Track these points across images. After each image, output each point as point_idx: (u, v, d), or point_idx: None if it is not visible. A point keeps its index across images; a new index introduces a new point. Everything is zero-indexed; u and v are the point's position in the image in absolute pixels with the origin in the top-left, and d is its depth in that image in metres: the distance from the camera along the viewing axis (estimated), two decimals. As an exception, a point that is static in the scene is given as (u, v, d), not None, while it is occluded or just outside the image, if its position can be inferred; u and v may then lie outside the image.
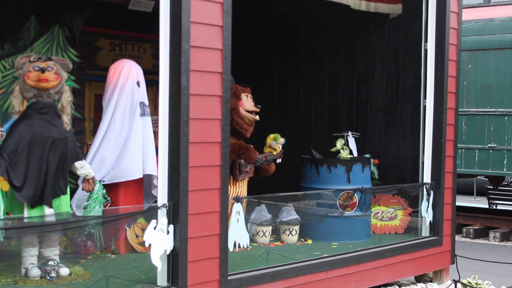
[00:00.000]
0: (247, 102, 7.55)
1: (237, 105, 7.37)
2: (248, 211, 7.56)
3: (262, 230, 7.72)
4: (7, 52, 7.55)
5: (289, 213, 7.84)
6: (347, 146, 8.23)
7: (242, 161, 7.47)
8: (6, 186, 6.28)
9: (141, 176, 7.23)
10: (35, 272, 5.85)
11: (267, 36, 10.30)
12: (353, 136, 8.32)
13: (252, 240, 7.59)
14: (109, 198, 6.44)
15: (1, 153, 5.76)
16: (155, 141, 7.03)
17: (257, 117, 7.60)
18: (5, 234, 5.66)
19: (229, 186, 6.78)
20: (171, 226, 5.54)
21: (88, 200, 6.38)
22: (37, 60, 5.98)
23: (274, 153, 8.02)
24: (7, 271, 6.01)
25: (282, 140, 8.08)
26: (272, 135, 8.08)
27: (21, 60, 6.04)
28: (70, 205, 6.40)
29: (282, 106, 10.10)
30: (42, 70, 5.90)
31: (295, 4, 8.83)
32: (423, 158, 8.21)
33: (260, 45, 10.35)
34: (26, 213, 5.87)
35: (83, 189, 6.37)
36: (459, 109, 8.81)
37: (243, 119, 7.42)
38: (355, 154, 8.29)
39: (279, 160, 8.12)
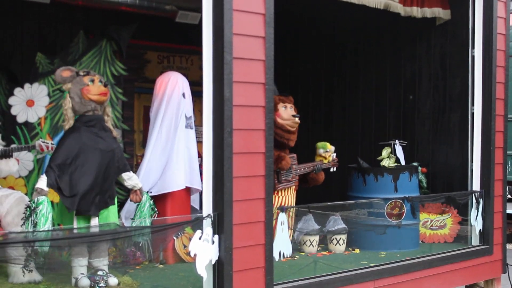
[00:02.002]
0: (284, 112, 7.51)
1: (274, 115, 7.36)
2: (295, 221, 7.56)
3: (309, 240, 7.68)
4: (56, 67, 7.64)
5: (336, 222, 7.76)
6: (394, 154, 8.15)
7: (281, 170, 7.46)
8: (56, 198, 6.38)
9: (184, 187, 7.26)
10: (85, 282, 5.88)
11: (313, 46, 10.28)
12: (400, 145, 8.24)
13: (299, 249, 7.58)
14: (156, 209, 6.47)
15: (51, 165, 5.84)
16: (199, 152, 7.08)
17: (297, 120, 7.55)
18: (56, 245, 5.74)
19: (274, 195, 6.78)
20: (216, 236, 5.53)
21: (136, 212, 6.41)
22: (86, 74, 6.05)
23: (325, 161, 7.99)
24: (58, 281, 6.08)
25: (332, 149, 8.03)
26: (320, 144, 8.05)
27: (64, 73, 6.06)
28: (119, 216, 6.44)
29: (328, 116, 10.07)
30: (105, 85, 5.99)
31: (340, 13, 8.78)
32: (471, 165, 8.06)
33: (306, 55, 10.34)
34: (75, 223, 5.93)
35: (130, 200, 6.42)
36: (508, 116, 8.65)
37: (281, 129, 7.39)
38: (403, 162, 8.19)
39: (333, 169, 8.09)
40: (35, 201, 5.63)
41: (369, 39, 9.55)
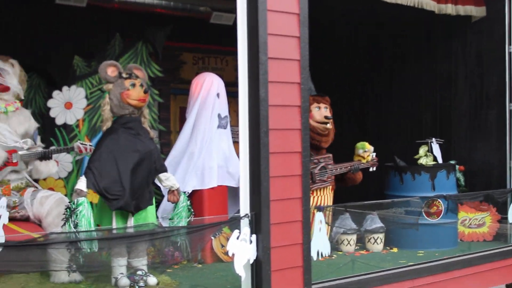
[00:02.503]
0: (317, 113, 7.51)
1: None
2: (333, 220, 7.56)
3: (347, 239, 7.67)
4: (94, 69, 7.75)
5: (374, 221, 7.76)
6: (431, 153, 8.11)
7: (315, 170, 7.46)
8: (95, 198, 6.45)
9: (216, 185, 7.29)
10: (124, 281, 5.93)
11: (348, 45, 10.27)
12: (437, 143, 8.18)
13: (337, 248, 7.58)
14: (192, 210, 6.49)
15: (90, 166, 5.89)
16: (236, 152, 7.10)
17: (328, 126, 7.56)
18: (96, 245, 5.80)
19: (310, 195, 6.78)
20: (254, 235, 5.54)
21: (173, 211, 6.44)
22: (129, 77, 6.09)
23: (363, 161, 7.98)
24: (98, 281, 6.14)
25: (371, 148, 8.01)
26: (359, 144, 8.04)
27: (109, 70, 6.11)
28: (157, 216, 6.48)
29: (364, 115, 10.04)
30: (145, 91, 6.04)
31: (375, 12, 8.75)
32: (510, 163, 8.01)
33: (341, 54, 10.32)
34: (114, 224, 5.98)
35: (168, 201, 6.45)
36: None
37: (313, 131, 7.36)
38: (440, 161, 8.14)
39: (372, 169, 8.07)
40: (75, 202, 5.68)
41: (404, 38, 9.50)
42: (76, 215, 5.65)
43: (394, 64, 9.69)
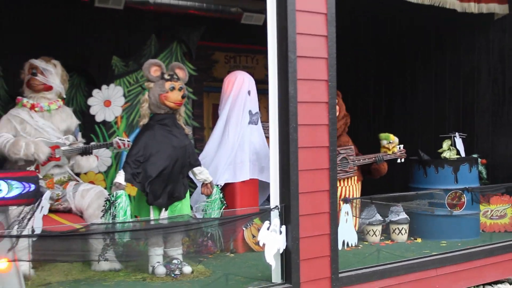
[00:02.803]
0: None
1: None
2: (359, 211, 7.59)
3: (372, 230, 7.69)
4: (131, 69, 7.82)
5: (398, 212, 7.78)
6: (454, 146, 8.09)
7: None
8: (133, 191, 6.52)
9: (248, 178, 7.33)
10: (161, 270, 6.01)
11: (375, 41, 10.25)
12: (460, 137, 8.16)
13: (363, 239, 7.59)
14: (225, 202, 6.53)
15: (128, 161, 5.96)
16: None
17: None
18: (134, 236, 5.86)
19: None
20: (283, 226, 5.57)
21: (206, 204, 6.49)
22: (170, 79, 6.13)
23: (389, 152, 7.99)
24: (137, 270, 6.22)
25: (395, 140, 8.00)
26: (382, 135, 8.04)
27: (152, 70, 6.16)
28: (191, 207, 6.55)
29: (389, 110, 10.03)
30: (183, 97, 6.10)
31: (398, 9, 8.71)
32: (531, 157, 8.02)
33: (367, 51, 10.30)
34: (152, 215, 6.06)
35: (202, 193, 6.51)
36: None
37: None
38: (463, 154, 8.11)
39: (400, 160, 8.09)
40: (114, 195, 5.77)
41: (427, 34, 9.47)
42: (115, 207, 5.73)
43: (419, 59, 9.64)
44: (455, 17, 8.32)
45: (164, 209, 6.06)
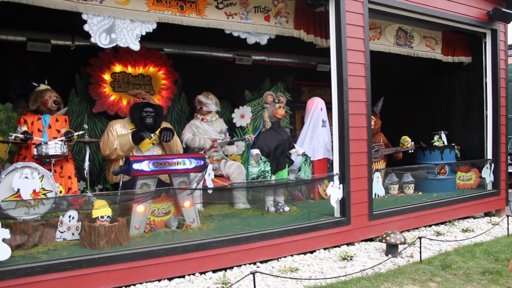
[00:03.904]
0: (372, 122, 7.40)
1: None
2: (385, 177, 7.45)
3: (393, 187, 7.52)
4: (255, 97, 7.91)
5: (408, 177, 7.57)
6: (441, 139, 7.84)
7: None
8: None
9: (322, 157, 7.21)
10: (272, 209, 6.07)
11: (390, 78, 9.83)
12: (444, 133, 7.90)
13: (387, 192, 7.44)
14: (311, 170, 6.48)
15: (253, 146, 6.05)
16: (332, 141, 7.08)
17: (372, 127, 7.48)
18: (258, 189, 5.96)
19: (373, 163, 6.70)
20: (341, 185, 5.56)
21: (299, 170, 6.48)
22: (278, 102, 6.12)
23: (404, 147, 7.79)
24: (258, 209, 6.25)
25: (409, 140, 7.79)
26: (403, 137, 7.86)
27: (268, 97, 6.13)
28: (288, 173, 6.56)
29: (404, 118, 9.64)
30: (285, 112, 6.10)
31: (406, 59, 8.41)
32: (486, 145, 7.65)
33: (387, 83, 9.96)
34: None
35: (298, 155, 6.39)
36: (508, 115, 8.03)
37: None
38: (446, 143, 7.84)
39: (411, 151, 7.80)
40: (262, 159, 5.80)
41: (423, 73, 9.04)
42: (264, 162, 5.80)
43: (418, 88, 9.24)
44: (439, 63, 8.03)
45: (273, 174, 6.09)
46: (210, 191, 5.29)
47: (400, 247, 5.37)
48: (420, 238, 5.15)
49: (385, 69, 8.30)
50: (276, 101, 6.14)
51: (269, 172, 5.86)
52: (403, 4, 6.16)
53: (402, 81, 9.37)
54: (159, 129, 5.86)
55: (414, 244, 5.55)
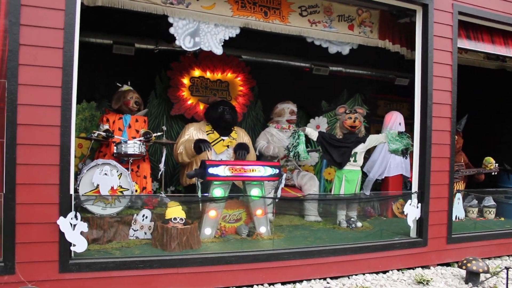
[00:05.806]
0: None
1: None
2: (463, 198, 7.00)
3: (472, 210, 7.03)
4: (331, 108, 7.68)
5: (489, 200, 7.06)
6: (526, 162, 7.30)
7: None
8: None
9: (396, 174, 6.83)
10: (344, 224, 5.87)
11: (473, 94, 9.21)
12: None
13: (465, 215, 6.97)
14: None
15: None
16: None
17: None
18: (329, 203, 5.79)
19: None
20: (419, 204, 5.27)
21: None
22: (349, 113, 5.98)
23: (487, 168, 7.29)
24: (329, 222, 6.05)
25: (493, 161, 7.28)
26: (486, 158, 7.36)
27: (340, 109, 6.04)
28: (362, 188, 6.26)
29: (486, 137, 8.96)
30: (354, 121, 5.93)
31: (483, 73, 7.89)
32: None
33: (471, 100, 9.32)
34: (343, 188, 5.86)
35: None
36: None
37: None
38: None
39: (494, 173, 7.29)
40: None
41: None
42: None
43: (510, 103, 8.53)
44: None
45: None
46: (283, 201, 5.18)
47: (482, 276, 4.96)
48: (507, 268, 4.72)
49: (465, 86, 7.90)
50: (348, 112, 5.99)
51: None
52: (496, 16, 5.76)
53: (489, 96, 8.76)
54: (234, 145, 5.95)
55: (497, 274, 5.11)
